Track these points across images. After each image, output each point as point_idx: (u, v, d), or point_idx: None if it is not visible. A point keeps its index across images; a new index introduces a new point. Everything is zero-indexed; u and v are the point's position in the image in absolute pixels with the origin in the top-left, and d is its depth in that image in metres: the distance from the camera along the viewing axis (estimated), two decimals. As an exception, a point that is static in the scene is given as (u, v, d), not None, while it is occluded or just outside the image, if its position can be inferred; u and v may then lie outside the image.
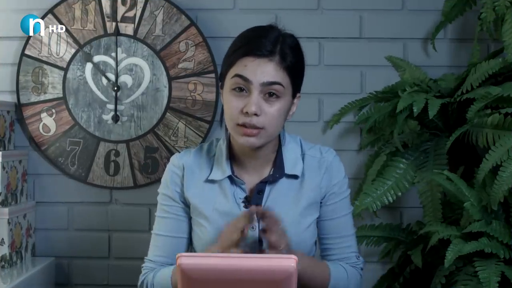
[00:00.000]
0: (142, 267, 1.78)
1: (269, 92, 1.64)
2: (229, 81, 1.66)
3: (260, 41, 1.65)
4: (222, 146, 1.75)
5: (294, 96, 1.70)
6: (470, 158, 2.30)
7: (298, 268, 1.42)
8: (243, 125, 1.64)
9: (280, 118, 1.67)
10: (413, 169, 2.26)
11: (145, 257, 1.79)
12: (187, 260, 1.30)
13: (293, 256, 1.31)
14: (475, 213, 2.04)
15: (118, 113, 2.55)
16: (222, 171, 1.72)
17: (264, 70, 1.63)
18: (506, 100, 2.11)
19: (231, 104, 1.66)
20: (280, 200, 1.71)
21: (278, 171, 1.73)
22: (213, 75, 2.54)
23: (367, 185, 2.31)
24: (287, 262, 1.30)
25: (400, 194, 2.24)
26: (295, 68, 1.67)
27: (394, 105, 2.30)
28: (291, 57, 1.66)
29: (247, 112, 1.62)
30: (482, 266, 1.95)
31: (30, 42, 2.56)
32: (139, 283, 1.77)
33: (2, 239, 2.34)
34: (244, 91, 1.64)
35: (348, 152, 2.53)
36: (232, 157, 1.74)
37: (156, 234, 1.78)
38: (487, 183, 2.05)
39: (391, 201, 2.23)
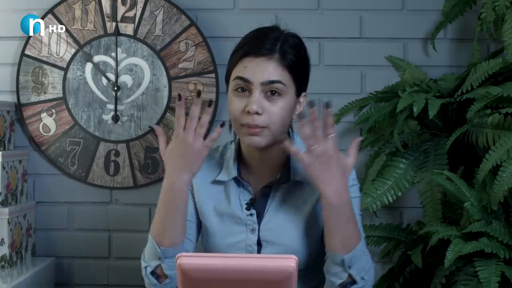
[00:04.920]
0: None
1: (271, 91, 1.63)
2: (231, 83, 1.67)
3: (260, 40, 1.65)
4: (232, 148, 1.76)
5: (299, 95, 1.69)
6: (470, 158, 2.30)
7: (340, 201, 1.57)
8: (247, 125, 1.64)
9: (284, 116, 1.66)
10: (413, 169, 2.26)
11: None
12: (187, 260, 1.30)
13: (293, 256, 1.31)
14: (475, 213, 2.04)
15: (118, 113, 2.55)
16: (228, 173, 1.73)
17: (263, 70, 1.63)
18: (506, 100, 2.11)
19: (234, 105, 1.66)
20: (285, 205, 1.71)
21: (284, 176, 1.72)
22: (213, 75, 2.54)
23: (367, 185, 2.31)
24: (287, 262, 1.29)
25: (400, 194, 2.24)
26: (296, 67, 1.66)
27: (394, 105, 2.30)
28: (292, 55, 1.65)
29: (249, 112, 1.62)
30: (482, 266, 1.95)
31: (30, 42, 2.56)
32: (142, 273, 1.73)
33: (2, 239, 2.34)
34: (246, 91, 1.64)
35: (348, 152, 2.53)
36: (241, 159, 1.75)
37: None
38: (487, 183, 2.05)
39: (391, 201, 2.23)
